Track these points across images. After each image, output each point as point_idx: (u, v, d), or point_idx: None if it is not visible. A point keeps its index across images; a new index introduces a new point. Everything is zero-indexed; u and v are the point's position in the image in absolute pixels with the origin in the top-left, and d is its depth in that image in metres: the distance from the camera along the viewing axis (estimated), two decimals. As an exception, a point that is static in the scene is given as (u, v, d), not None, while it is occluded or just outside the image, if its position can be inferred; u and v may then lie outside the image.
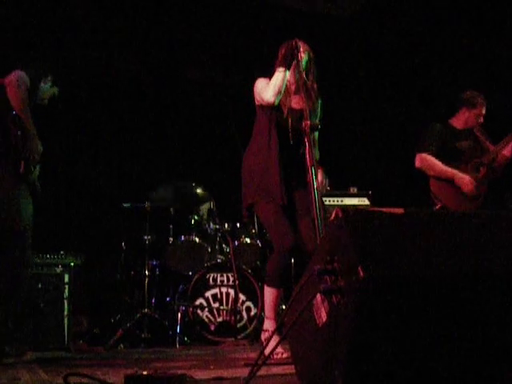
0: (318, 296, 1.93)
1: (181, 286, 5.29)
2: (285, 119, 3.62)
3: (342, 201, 5.73)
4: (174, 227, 5.59)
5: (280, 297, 3.66)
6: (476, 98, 4.81)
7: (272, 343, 2.87)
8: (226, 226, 5.54)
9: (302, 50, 3.50)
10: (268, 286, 3.61)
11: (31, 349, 4.05)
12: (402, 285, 1.76)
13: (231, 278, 5.16)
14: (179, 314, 5.01)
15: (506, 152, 4.63)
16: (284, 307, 5.19)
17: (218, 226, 5.57)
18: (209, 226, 5.61)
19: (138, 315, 5.07)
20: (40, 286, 4.49)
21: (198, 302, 5.09)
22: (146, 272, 5.33)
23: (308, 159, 3.18)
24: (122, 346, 4.86)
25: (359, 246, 1.77)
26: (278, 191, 3.54)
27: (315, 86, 3.73)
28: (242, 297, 5.14)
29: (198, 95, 6.77)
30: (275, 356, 3.27)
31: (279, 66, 3.56)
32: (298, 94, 3.67)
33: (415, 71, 6.78)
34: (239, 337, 4.91)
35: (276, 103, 3.56)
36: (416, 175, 5.17)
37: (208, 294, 5.15)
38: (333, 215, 1.90)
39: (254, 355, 3.57)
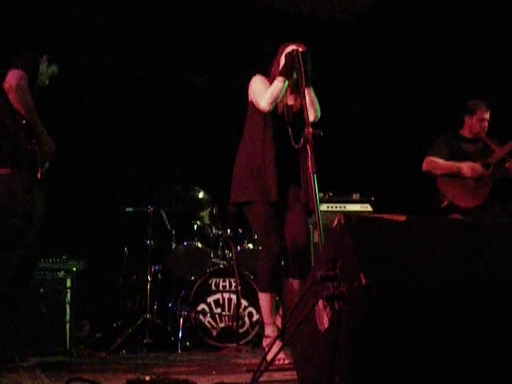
0: (320, 302, 1.93)
1: (183, 292, 5.29)
2: (280, 116, 3.62)
3: (344, 207, 5.73)
4: (176, 232, 5.59)
5: (274, 301, 3.63)
6: (475, 103, 4.90)
7: (274, 349, 2.87)
8: (229, 231, 5.54)
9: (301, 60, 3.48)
10: (261, 291, 3.59)
11: (33, 353, 4.05)
12: (404, 292, 1.76)
13: (233, 284, 5.16)
14: (181, 320, 5.01)
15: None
16: (280, 310, 5.20)
17: (220, 232, 5.58)
18: (211, 231, 5.62)
19: (140, 320, 5.07)
20: (42, 290, 4.49)
21: (200, 308, 5.08)
22: (149, 277, 5.33)
23: (310, 166, 3.19)
24: (124, 351, 4.85)
25: (361, 252, 1.77)
26: (272, 189, 3.52)
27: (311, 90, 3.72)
28: (244, 302, 5.13)
29: (200, 99, 6.78)
30: (277, 362, 3.27)
31: (280, 75, 3.55)
32: (294, 92, 3.67)
33: (418, 77, 6.78)
34: (241, 342, 4.90)
35: (270, 110, 3.57)
36: (419, 181, 5.18)
37: (210, 299, 5.15)
38: (335, 222, 1.90)
39: (255, 361, 3.56)
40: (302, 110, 3.34)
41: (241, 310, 5.07)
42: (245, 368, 3.30)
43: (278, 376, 2.88)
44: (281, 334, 3.19)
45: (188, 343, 5.03)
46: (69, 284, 4.61)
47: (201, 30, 6.54)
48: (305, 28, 6.52)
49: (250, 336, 5.04)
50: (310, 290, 2.01)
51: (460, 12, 6.06)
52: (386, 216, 1.92)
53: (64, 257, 4.70)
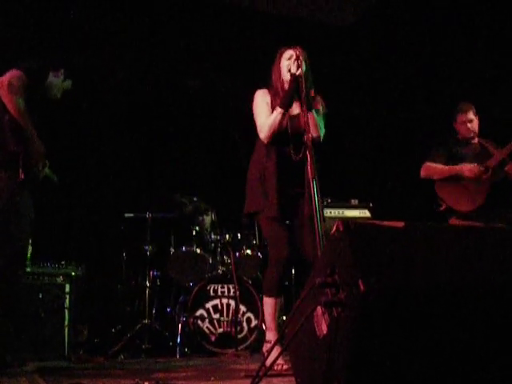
0: (319, 308, 1.94)
1: (181, 297, 5.29)
2: (284, 128, 3.63)
3: (342, 213, 5.74)
4: (175, 238, 5.60)
5: (278, 307, 3.67)
6: (456, 108, 4.92)
7: (273, 354, 2.87)
8: (227, 237, 5.54)
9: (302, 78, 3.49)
10: (266, 296, 3.65)
11: (32, 358, 4.05)
12: (402, 298, 1.77)
13: (232, 289, 5.16)
14: (180, 325, 5.01)
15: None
16: (285, 318, 5.20)
17: (219, 237, 5.58)
18: (210, 237, 5.62)
19: (139, 326, 5.07)
20: (41, 295, 4.49)
21: (198, 313, 5.08)
22: (147, 282, 5.34)
23: (310, 172, 3.20)
24: (122, 356, 4.85)
25: (360, 259, 1.78)
26: (273, 203, 3.55)
27: (311, 91, 3.72)
28: (242, 308, 5.13)
29: (200, 105, 6.79)
30: (276, 367, 3.27)
31: (279, 105, 3.56)
32: (297, 101, 3.68)
33: (418, 82, 6.80)
34: (240, 348, 4.90)
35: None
36: (417, 187, 5.19)
37: (209, 305, 5.15)
38: (334, 228, 1.91)
39: (254, 366, 3.57)
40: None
41: (239, 316, 5.07)
42: (243, 373, 3.31)
43: (276, 381, 2.89)
44: (280, 340, 3.21)
45: (186, 349, 5.02)
46: (68, 289, 4.61)
47: (201, 35, 6.54)
48: (303, 32, 6.53)
49: (249, 341, 5.04)
50: (309, 296, 2.02)
51: (460, 15, 6.07)
52: (385, 222, 1.93)
53: (63, 262, 4.70)
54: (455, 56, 6.26)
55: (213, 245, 5.60)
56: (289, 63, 3.65)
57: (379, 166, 7.11)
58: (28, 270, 4.36)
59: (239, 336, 5.01)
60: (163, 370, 3.88)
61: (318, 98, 3.79)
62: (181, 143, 6.68)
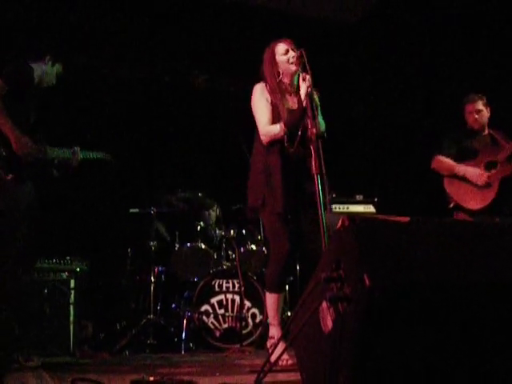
0: (324, 303, 1.93)
1: (186, 293, 5.30)
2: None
3: (347, 208, 5.73)
4: (179, 233, 5.60)
5: (281, 302, 3.68)
6: (464, 98, 4.88)
7: (278, 350, 2.87)
8: (232, 232, 5.54)
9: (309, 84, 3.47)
10: (268, 291, 3.67)
11: (37, 354, 4.06)
12: (407, 293, 1.76)
13: (237, 285, 5.17)
14: (185, 321, 5.01)
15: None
16: (290, 314, 5.20)
17: (223, 233, 5.58)
18: (214, 232, 5.62)
19: (144, 321, 5.08)
20: (46, 291, 4.49)
21: (203, 309, 5.09)
22: (152, 278, 5.35)
23: (314, 167, 3.19)
24: (127, 351, 4.86)
25: (365, 253, 1.77)
26: (278, 199, 3.54)
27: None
28: (247, 303, 5.14)
29: (204, 103, 6.78)
30: (280, 363, 3.27)
31: (285, 125, 3.53)
32: (294, 95, 3.67)
33: (422, 78, 6.78)
34: (245, 343, 4.90)
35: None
36: (422, 182, 5.18)
37: (213, 300, 5.15)
38: (339, 223, 1.90)
39: (259, 362, 3.57)
40: (303, 114, 3.35)
41: (244, 311, 5.07)
42: (248, 369, 3.30)
43: (281, 377, 2.88)
44: (285, 335, 3.21)
45: (191, 344, 5.03)
46: (72, 285, 4.61)
47: (207, 35, 6.53)
48: (306, 30, 6.51)
49: (254, 337, 5.04)
50: (314, 292, 2.01)
51: (462, 15, 6.06)
52: (390, 217, 1.92)
53: (68, 258, 4.71)
54: (459, 51, 6.24)
55: (217, 240, 5.61)
56: (287, 58, 3.63)
57: (384, 162, 7.09)
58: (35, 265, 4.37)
59: (244, 331, 5.02)
60: (168, 365, 3.88)
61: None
62: (185, 139, 6.68)
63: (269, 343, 3.63)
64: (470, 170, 4.65)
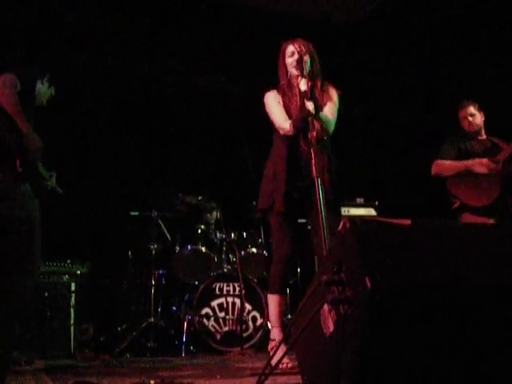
0: (325, 306, 1.93)
1: (187, 296, 5.30)
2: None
3: (348, 211, 5.73)
4: (180, 236, 5.60)
5: (283, 305, 3.69)
6: (459, 104, 4.94)
7: (279, 353, 2.87)
8: (233, 235, 5.54)
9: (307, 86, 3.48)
10: (269, 292, 3.68)
11: (38, 357, 4.06)
12: (409, 295, 1.76)
13: (237, 288, 5.17)
14: (185, 323, 5.01)
15: None
16: (290, 317, 5.20)
17: (224, 236, 5.58)
18: (215, 235, 5.62)
19: (144, 324, 5.08)
20: (47, 294, 4.51)
21: (204, 312, 5.09)
22: (153, 281, 5.35)
23: (314, 170, 3.19)
24: (128, 354, 4.86)
25: (366, 256, 1.77)
26: (279, 199, 3.56)
27: (319, 84, 3.70)
28: (248, 306, 5.14)
29: (206, 104, 6.79)
30: (281, 366, 3.27)
31: (293, 124, 3.53)
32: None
33: (422, 79, 6.78)
34: (245, 346, 4.91)
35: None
36: (422, 186, 5.18)
37: (214, 303, 5.15)
38: (340, 226, 1.90)
39: (260, 365, 3.58)
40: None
41: (245, 314, 5.08)
42: (249, 372, 3.31)
43: (282, 380, 2.88)
44: (286, 338, 3.21)
45: (192, 347, 5.03)
46: (73, 288, 4.62)
47: (210, 35, 6.54)
48: (306, 30, 6.52)
49: (254, 340, 5.04)
50: (315, 294, 2.01)
51: (462, 15, 6.06)
52: (391, 220, 1.92)
53: (68, 261, 4.71)
54: (460, 51, 6.25)
55: (218, 243, 5.61)
56: (291, 60, 3.65)
57: (385, 165, 7.09)
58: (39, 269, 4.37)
59: (245, 334, 5.02)
60: (169, 368, 3.88)
61: (329, 88, 3.77)
62: (186, 142, 6.68)
63: (270, 346, 3.63)
64: (472, 162, 4.67)
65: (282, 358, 2.23)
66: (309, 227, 3.79)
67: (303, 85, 3.48)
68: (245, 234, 5.58)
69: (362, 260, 1.76)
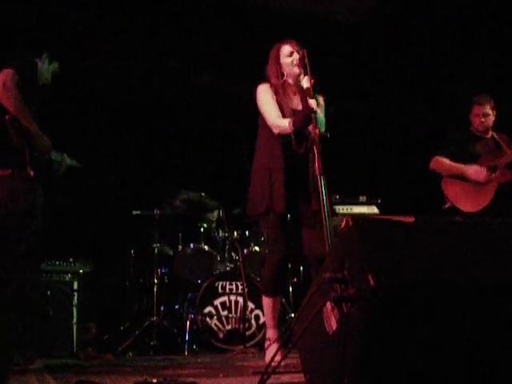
0: (328, 304, 1.93)
1: (189, 294, 5.29)
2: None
3: (351, 209, 5.72)
4: (183, 235, 5.59)
5: (277, 306, 3.71)
6: (474, 99, 4.81)
7: (274, 351, 2.89)
8: (235, 234, 5.54)
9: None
10: (263, 294, 3.72)
11: (40, 356, 4.06)
12: (412, 293, 1.75)
13: (240, 286, 5.16)
14: (188, 322, 5.01)
15: None
16: (293, 315, 5.19)
17: (226, 234, 5.57)
18: (218, 234, 5.62)
19: (147, 323, 5.07)
20: (49, 293, 4.50)
21: (206, 310, 5.08)
22: (155, 280, 5.33)
23: (317, 168, 3.18)
24: (130, 353, 4.86)
25: (369, 254, 1.77)
26: (280, 200, 3.54)
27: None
28: (250, 305, 5.13)
29: (206, 102, 6.78)
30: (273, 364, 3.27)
31: (293, 125, 3.51)
32: (298, 96, 3.66)
33: (424, 78, 6.77)
34: (248, 345, 4.90)
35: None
36: (425, 184, 5.16)
37: (217, 302, 5.15)
38: (343, 224, 1.90)
39: (262, 363, 3.56)
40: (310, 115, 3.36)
41: (247, 313, 5.07)
42: (252, 370, 3.29)
43: (285, 378, 2.88)
44: (281, 337, 3.23)
45: (195, 346, 5.02)
46: (76, 286, 4.62)
47: (209, 33, 6.53)
48: (307, 29, 6.50)
49: (257, 338, 5.03)
50: (318, 292, 2.00)
51: (463, 14, 6.05)
52: (394, 217, 1.91)
53: (71, 259, 4.71)
54: (461, 49, 6.24)
55: (221, 242, 5.60)
56: (291, 60, 3.63)
57: (387, 163, 7.08)
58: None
59: (247, 333, 5.01)
60: (171, 367, 3.88)
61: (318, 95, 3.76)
62: (187, 140, 6.67)
63: (266, 345, 3.66)
64: (467, 168, 4.59)
65: (285, 357, 2.22)
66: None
67: (306, 82, 3.48)
68: (247, 232, 5.58)
69: (365, 258, 1.76)
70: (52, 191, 3.77)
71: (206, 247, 5.43)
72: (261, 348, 4.85)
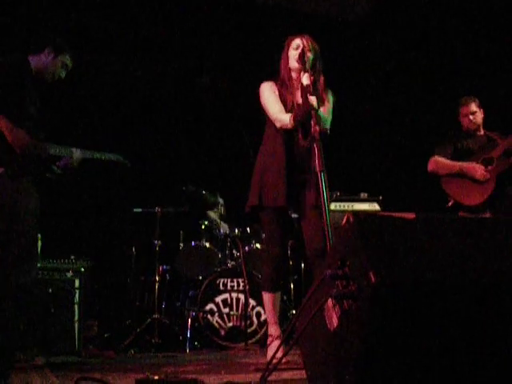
0: (330, 301, 1.93)
1: (191, 291, 5.30)
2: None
3: (352, 206, 5.71)
4: (184, 232, 5.59)
5: (277, 302, 3.72)
6: (459, 101, 4.97)
7: (276, 347, 2.89)
8: (236, 231, 5.54)
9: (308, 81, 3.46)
10: (262, 291, 3.72)
11: (42, 353, 4.06)
12: (413, 290, 1.75)
13: (241, 284, 5.17)
14: (189, 319, 5.01)
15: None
16: (294, 312, 5.20)
17: (228, 232, 5.58)
18: (219, 231, 5.62)
19: (149, 320, 5.08)
20: (51, 290, 4.50)
21: (208, 307, 5.09)
22: (157, 277, 5.35)
23: (317, 165, 3.18)
24: (132, 350, 4.87)
25: (370, 250, 1.76)
26: (280, 193, 3.54)
27: (321, 79, 3.71)
28: (252, 302, 5.14)
29: (209, 101, 6.78)
30: (275, 361, 3.27)
31: (293, 119, 3.51)
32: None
33: (426, 75, 6.76)
34: (249, 342, 4.90)
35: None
36: (426, 180, 5.17)
37: (218, 299, 5.15)
38: (344, 220, 1.89)
39: (264, 360, 3.57)
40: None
41: (249, 310, 5.07)
42: (253, 367, 3.30)
43: (286, 375, 2.88)
44: (289, 333, 3.22)
45: (196, 343, 5.03)
46: (77, 284, 4.61)
47: (213, 33, 6.53)
48: (310, 27, 6.50)
49: (258, 335, 5.04)
50: (319, 289, 2.00)
51: (466, 11, 6.05)
52: (396, 214, 1.91)
53: (72, 257, 4.71)
54: (462, 47, 6.24)
55: (222, 239, 5.60)
56: (295, 53, 3.64)
57: (388, 160, 7.08)
58: (38, 265, 4.36)
59: (249, 330, 5.02)
60: (173, 364, 3.88)
61: (326, 89, 3.76)
62: (189, 137, 6.68)
63: (268, 341, 3.67)
64: (468, 165, 4.69)
65: (286, 353, 2.22)
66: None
67: (306, 79, 3.47)
68: (248, 229, 5.58)
69: (366, 254, 1.75)
70: (53, 189, 3.77)
71: (207, 244, 5.44)
72: (262, 345, 4.87)
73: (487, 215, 4.55)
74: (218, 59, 6.75)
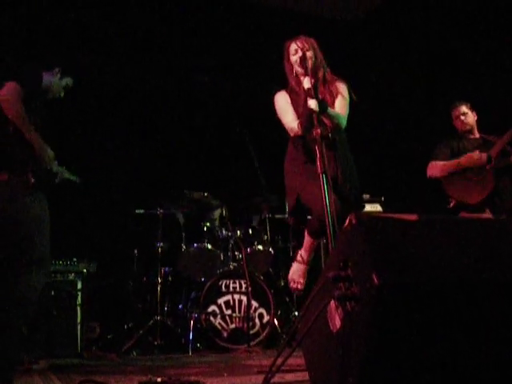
0: (332, 303, 1.92)
1: (193, 293, 5.29)
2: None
3: (353, 207, 5.71)
4: (186, 234, 5.59)
5: (313, 247, 3.76)
6: (451, 105, 5.12)
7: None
8: (238, 232, 5.53)
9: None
10: (307, 234, 3.72)
11: (45, 355, 4.06)
12: (416, 291, 1.75)
13: (244, 285, 5.16)
14: (192, 321, 5.00)
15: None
16: (297, 313, 5.19)
17: (230, 233, 5.57)
18: (221, 232, 5.61)
19: (151, 322, 5.08)
20: (53, 292, 4.51)
21: (210, 309, 5.08)
22: (159, 279, 5.34)
23: (318, 167, 3.18)
24: (134, 352, 4.86)
25: (373, 252, 1.76)
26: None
27: (329, 77, 3.72)
28: (254, 304, 5.13)
29: (210, 102, 6.78)
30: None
31: (300, 124, 3.53)
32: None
33: (428, 76, 6.76)
34: (252, 344, 4.89)
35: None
36: (428, 182, 5.17)
37: (220, 300, 5.14)
38: (347, 222, 1.89)
39: (267, 362, 3.56)
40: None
41: (251, 312, 5.06)
42: (256, 369, 3.30)
43: (289, 377, 2.87)
44: (292, 335, 3.21)
45: (199, 345, 5.02)
46: (79, 286, 4.62)
47: (211, 33, 6.53)
48: (310, 28, 6.50)
49: (261, 337, 5.03)
50: (322, 291, 2.00)
51: (467, 11, 6.04)
52: (398, 215, 1.91)
53: (74, 259, 4.72)
54: (464, 49, 6.24)
55: (224, 240, 5.59)
56: (296, 58, 3.64)
57: (391, 161, 7.07)
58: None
59: (251, 332, 5.00)
60: (175, 366, 3.88)
61: (336, 81, 3.76)
62: (191, 139, 6.68)
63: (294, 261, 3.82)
64: (464, 157, 4.79)
65: (288, 357, 2.22)
66: None
67: (306, 83, 3.47)
68: (250, 230, 5.57)
69: (369, 256, 1.75)
70: (55, 191, 3.77)
71: (209, 246, 5.43)
72: (265, 347, 4.86)
73: (487, 213, 4.59)
74: (217, 59, 6.75)
